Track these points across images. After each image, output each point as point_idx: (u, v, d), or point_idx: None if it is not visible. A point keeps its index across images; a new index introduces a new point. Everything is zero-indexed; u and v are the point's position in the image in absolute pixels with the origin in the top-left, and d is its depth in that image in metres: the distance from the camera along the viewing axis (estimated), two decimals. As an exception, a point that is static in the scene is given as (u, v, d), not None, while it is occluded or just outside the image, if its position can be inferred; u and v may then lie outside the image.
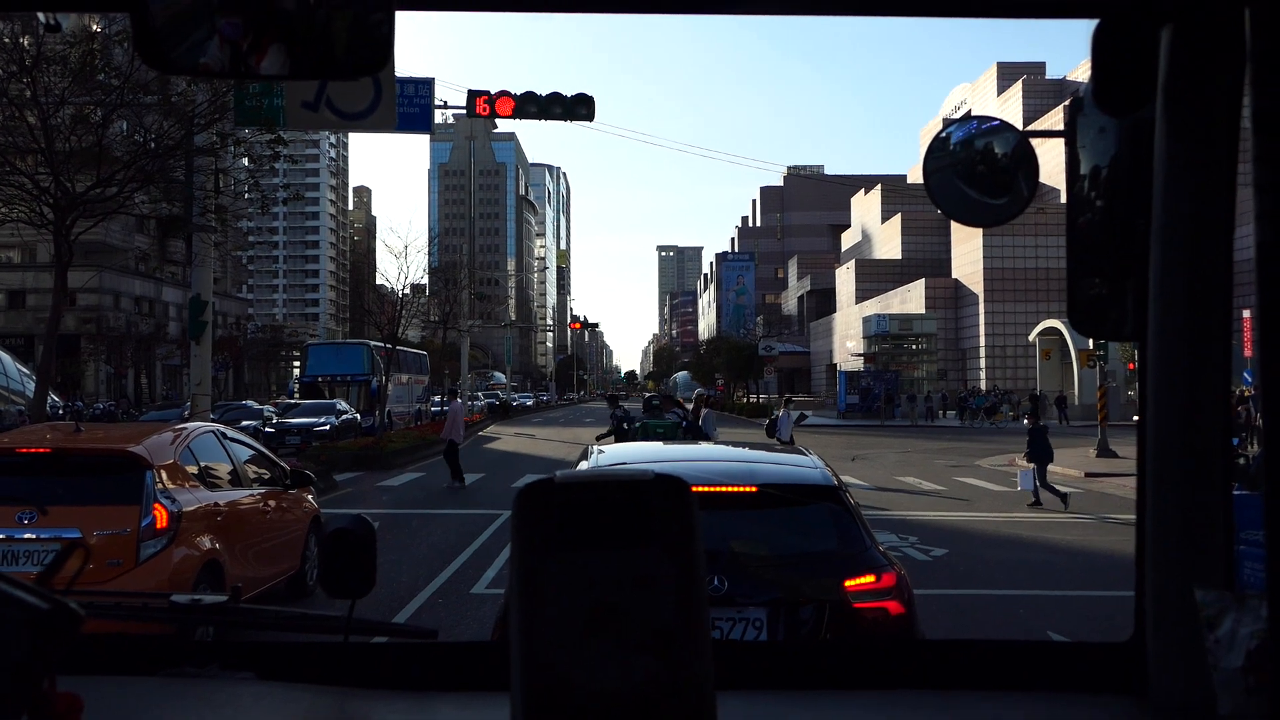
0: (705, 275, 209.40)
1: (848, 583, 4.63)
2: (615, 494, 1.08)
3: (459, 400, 24.97)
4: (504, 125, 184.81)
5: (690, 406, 21.89)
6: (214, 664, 1.75)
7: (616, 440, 20.28)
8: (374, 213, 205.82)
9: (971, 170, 2.10)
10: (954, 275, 77.64)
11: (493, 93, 21.30)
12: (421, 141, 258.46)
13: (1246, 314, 29.24)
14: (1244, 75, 1.37)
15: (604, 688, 1.03)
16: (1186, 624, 1.41)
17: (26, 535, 7.13)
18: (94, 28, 18.74)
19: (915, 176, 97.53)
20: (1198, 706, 1.43)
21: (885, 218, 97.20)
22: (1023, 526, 15.76)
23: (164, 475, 7.71)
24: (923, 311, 73.27)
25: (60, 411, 32.26)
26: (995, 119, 2.15)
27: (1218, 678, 1.30)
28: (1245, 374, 29.28)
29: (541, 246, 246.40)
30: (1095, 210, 1.75)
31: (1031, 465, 18.43)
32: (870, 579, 4.66)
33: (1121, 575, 10.89)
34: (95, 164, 17.10)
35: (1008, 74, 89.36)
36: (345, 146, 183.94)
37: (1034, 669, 1.75)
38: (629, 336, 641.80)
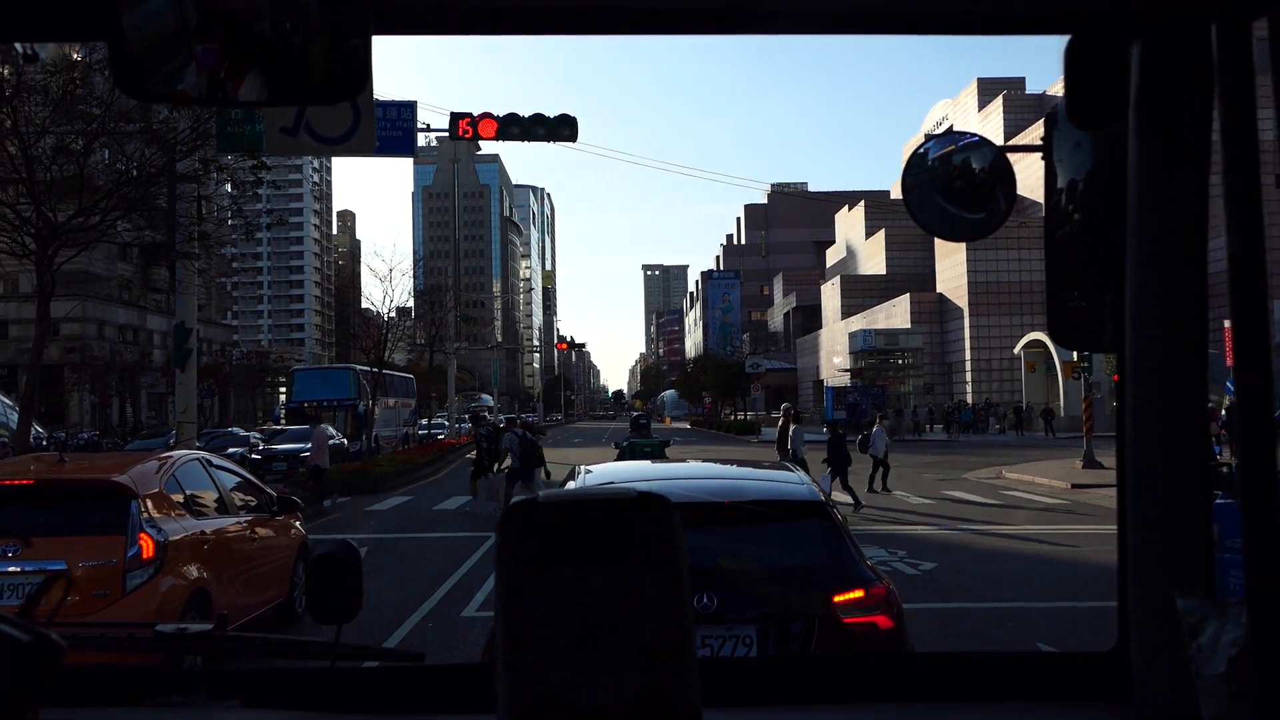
0: (691, 294, 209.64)
1: (836, 598, 4.63)
2: (599, 513, 1.09)
3: (323, 426, 25.34)
4: (487, 147, 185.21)
5: (783, 422, 22.27)
6: (201, 692, 1.74)
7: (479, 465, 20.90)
8: (358, 236, 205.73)
9: (950, 186, 2.11)
10: (939, 290, 77.88)
11: (475, 115, 21.35)
12: (405, 165, 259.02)
13: (1228, 324, 29.35)
14: (1213, 89, 1.39)
15: (590, 704, 1.03)
16: (1169, 632, 1.42)
17: (11, 568, 7.07)
18: (74, 57, 18.72)
19: (898, 192, 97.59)
20: (1181, 714, 1.44)
21: (869, 233, 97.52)
22: (1010, 539, 15.79)
23: (149, 504, 7.67)
24: (908, 326, 73.43)
25: (44, 442, 32.05)
26: (973, 134, 2.16)
27: (1200, 685, 1.30)
28: (1228, 383, 29.43)
29: (527, 268, 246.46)
30: (1073, 223, 1.77)
31: (828, 469, 20.29)
32: (859, 594, 4.66)
33: (1107, 585, 10.87)
34: (77, 193, 17.08)
35: (988, 89, 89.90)
36: (329, 171, 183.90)
37: (1020, 680, 1.75)
38: (616, 356, 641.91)
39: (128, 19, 1.10)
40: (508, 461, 20.74)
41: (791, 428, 21.93)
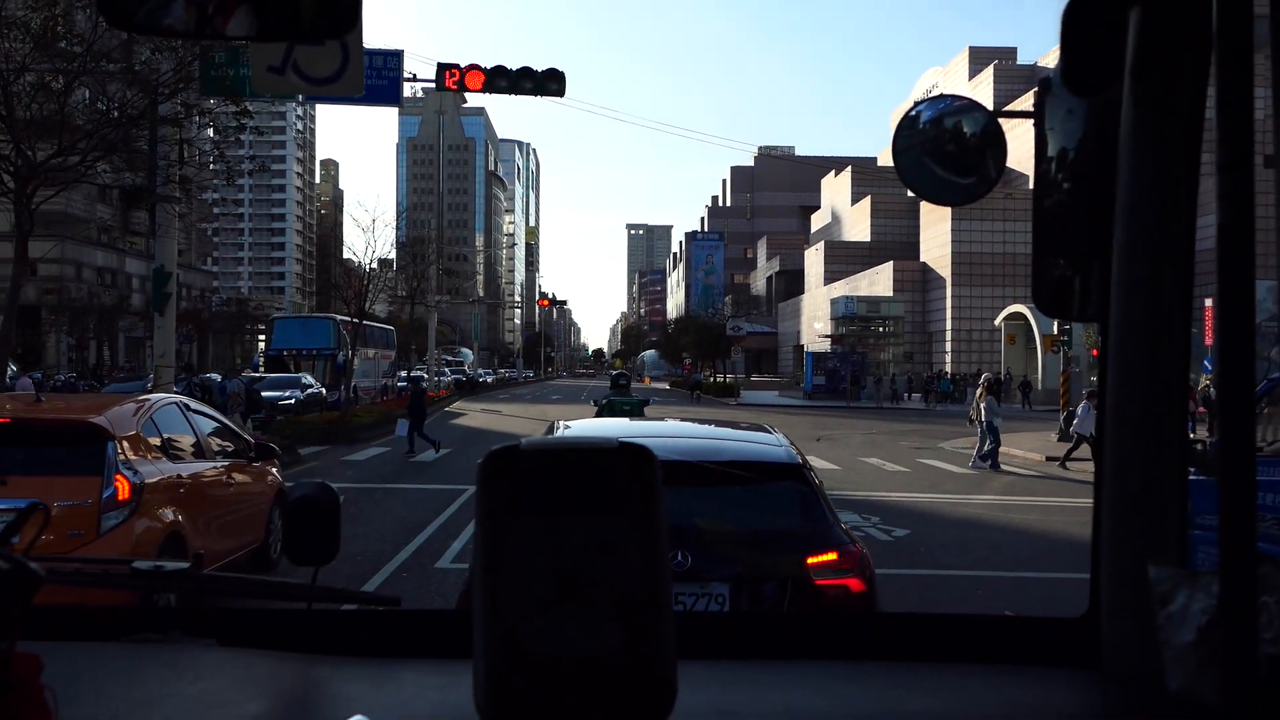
0: (674, 254, 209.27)
1: (810, 560, 4.67)
2: (580, 461, 1.09)
3: (27, 378, 26.08)
4: (474, 100, 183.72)
5: (980, 391, 22.66)
6: (176, 630, 1.74)
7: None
8: (341, 186, 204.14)
9: (940, 149, 2.10)
10: (922, 258, 78.06)
11: (462, 66, 21.14)
12: (390, 115, 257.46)
13: (1209, 303, 29.56)
14: (1209, 60, 1.38)
15: (566, 654, 1.04)
16: (1139, 600, 1.44)
17: (-15, 506, 7.05)
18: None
19: (886, 159, 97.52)
20: (1149, 680, 1.46)
21: (855, 200, 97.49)
22: (983, 508, 15.94)
23: (126, 446, 7.64)
24: (890, 294, 73.67)
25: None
26: (964, 98, 2.15)
27: (1168, 653, 1.32)
28: (1205, 362, 29.68)
29: (510, 223, 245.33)
30: (1061, 191, 1.76)
31: (409, 420, 23.49)
32: (832, 556, 4.70)
33: (1077, 557, 11.05)
34: (57, 132, 16.84)
35: (979, 58, 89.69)
36: (312, 119, 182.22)
37: (991, 642, 1.77)
38: (597, 314, 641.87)
39: None
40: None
41: (985, 399, 21.98)
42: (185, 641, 1.72)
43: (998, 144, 2.04)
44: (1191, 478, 1.63)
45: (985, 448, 21.89)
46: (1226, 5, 1.19)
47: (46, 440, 7.72)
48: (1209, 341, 29.03)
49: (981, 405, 22.07)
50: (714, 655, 1.68)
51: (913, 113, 2.14)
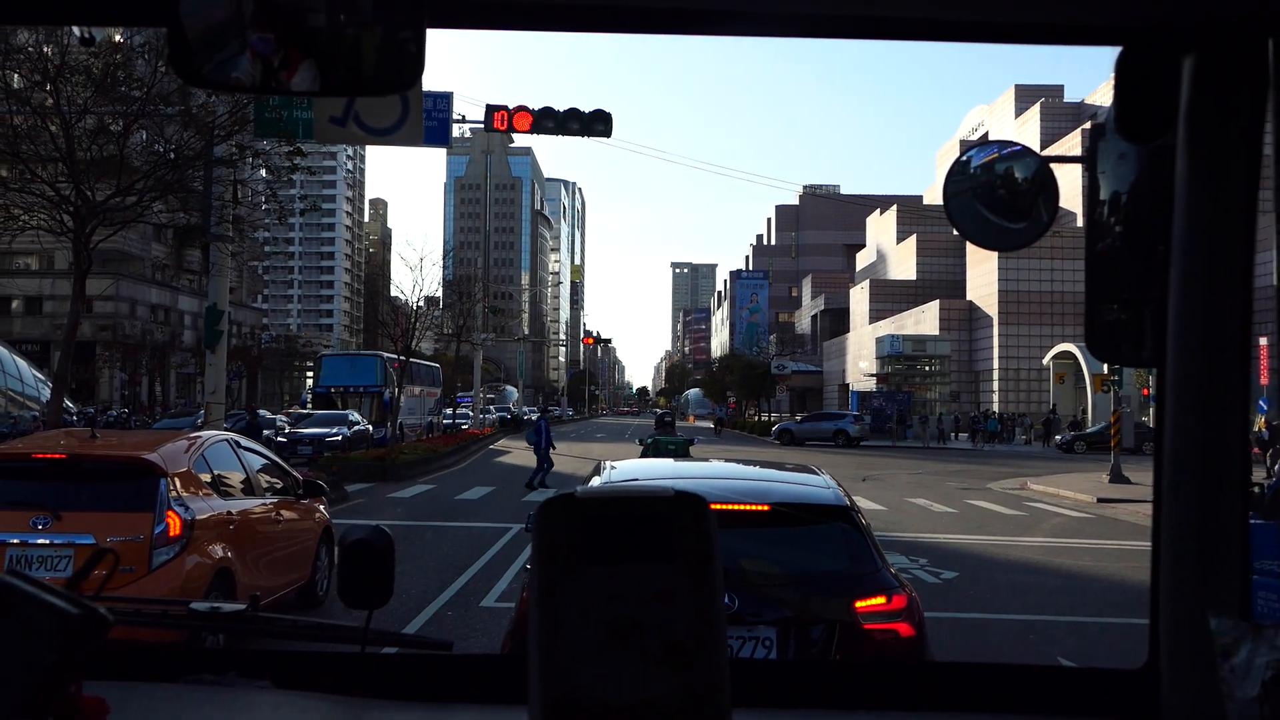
0: (719, 293, 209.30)
1: (858, 603, 4.62)
2: (635, 510, 1.09)
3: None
4: (520, 140, 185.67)
5: None
6: (231, 671, 1.76)
7: None
8: (389, 225, 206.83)
9: (991, 194, 2.10)
10: (969, 297, 77.48)
11: (510, 108, 21.40)
12: (438, 155, 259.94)
13: (1263, 341, 29.06)
14: (1266, 104, 1.38)
15: (621, 701, 1.04)
16: (1201, 652, 1.41)
17: (41, 540, 7.17)
18: (116, 39, 18.92)
19: (931, 197, 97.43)
20: None
21: (900, 238, 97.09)
22: (1033, 551, 15.69)
23: (178, 483, 7.74)
24: (936, 333, 73.08)
25: (74, 418, 32.41)
26: (1016, 143, 2.15)
27: (1231, 707, 1.29)
28: (1261, 402, 29.15)
29: (556, 261, 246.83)
30: (1114, 236, 1.76)
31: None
32: (881, 600, 4.65)
33: (1131, 602, 10.82)
34: (115, 173, 17.24)
35: (1026, 96, 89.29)
36: (362, 159, 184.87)
37: (1047, 694, 1.75)
38: (641, 352, 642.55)
39: (187, 6, 1.12)
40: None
41: None
42: (241, 683, 1.73)
43: (1049, 189, 2.04)
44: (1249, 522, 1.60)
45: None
46: None
47: (100, 476, 7.85)
48: (1264, 381, 28.50)
49: None
50: (767, 704, 1.67)
51: (963, 158, 2.14)
